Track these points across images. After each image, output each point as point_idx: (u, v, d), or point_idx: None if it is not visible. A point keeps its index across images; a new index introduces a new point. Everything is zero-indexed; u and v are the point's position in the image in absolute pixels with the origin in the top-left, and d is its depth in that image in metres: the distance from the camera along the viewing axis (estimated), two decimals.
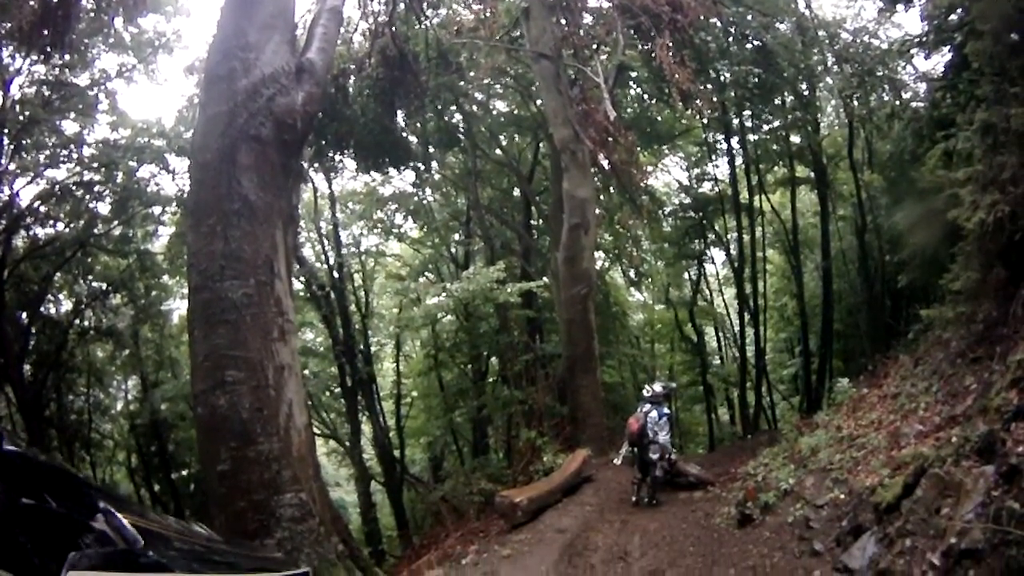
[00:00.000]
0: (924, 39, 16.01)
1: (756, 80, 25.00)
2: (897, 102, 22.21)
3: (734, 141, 31.51)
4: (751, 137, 30.96)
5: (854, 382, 16.42)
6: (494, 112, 31.57)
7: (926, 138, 16.52)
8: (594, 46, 24.52)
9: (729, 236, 33.92)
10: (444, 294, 22.07)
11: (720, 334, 40.77)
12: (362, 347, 31.28)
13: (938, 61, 17.96)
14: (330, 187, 31.13)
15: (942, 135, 13.70)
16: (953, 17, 14.42)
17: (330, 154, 25.79)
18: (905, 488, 8.15)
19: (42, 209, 25.37)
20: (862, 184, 26.80)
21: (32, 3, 16.24)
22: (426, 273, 35.47)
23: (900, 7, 18.15)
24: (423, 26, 23.13)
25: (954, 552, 6.48)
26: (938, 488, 7.46)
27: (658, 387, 15.83)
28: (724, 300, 39.78)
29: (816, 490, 10.96)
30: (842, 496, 10.13)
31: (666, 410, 15.12)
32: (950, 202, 11.05)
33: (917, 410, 11.09)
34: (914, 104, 21.30)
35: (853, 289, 29.36)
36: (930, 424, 10.08)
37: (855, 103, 24.73)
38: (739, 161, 31.79)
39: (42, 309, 26.84)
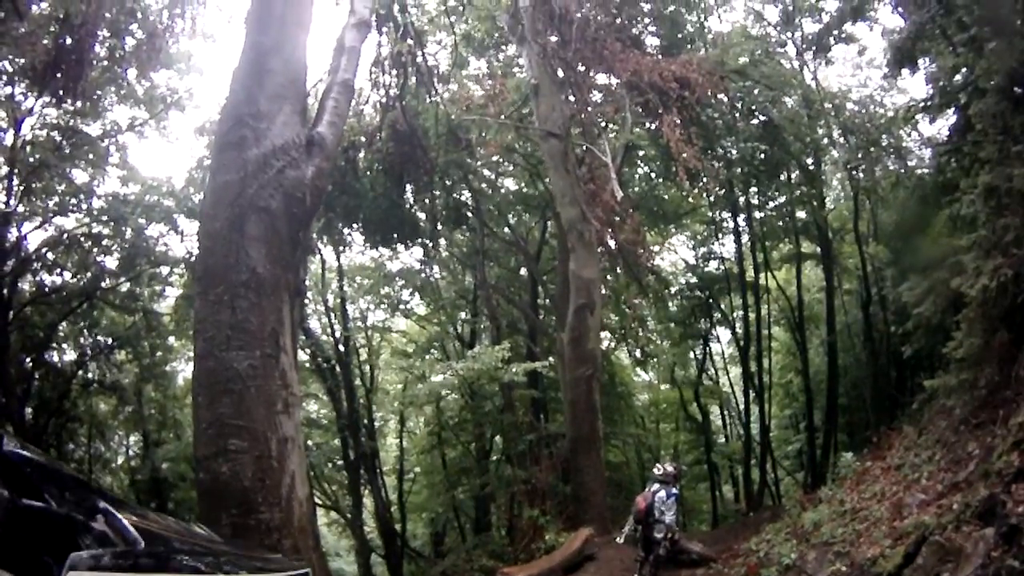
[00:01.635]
0: (929, 103, 16.14)
1: (762, 156, 25.22)
2: (902, 170, 22.37)
3: (740, 219, 31.65)
4: (757, 214, 31.11)
5: (858, 455, 16.42)
6: (502, 190, 31.86)
7: (931, 205, 16.64)
8: (602, 124, 24.79)
9: (735, 314, 33.96)
10: (449, 372, 22.03)
11: (725, 412, 40.56)
12: (366, 421, 31.17)
13: (942, 125, 18.15)
14: (338, 260, 31.29)
15: (947, 200, 13.77)
16: (958, 78, 14.56)
17: (339, 227, 25.93)
18: (906, 557, 8.09)
19: (50, 256, 25.53)
20: (867, 257, 26.80)
21: (46, 42, 16.48)
22: (432, 350, 35.41)
23: (905, 72, 18.32)
24: (433, 101, 23.31)
25: None
26: (938, 555, 7.40)
27: (669, 467, 15.78)
28: (729, 378, 39.56)
29: (818, 564, 10.88)
30: (844, 568, 10.06)
31: (674, 490, 15.01)
32: (954, 270, 11.11)
33: (920, 479, 11.03)
34: (919, 171, 21.46)
35: (858, 362, 29.26)
36: (932, 492, 10.02)
37: (860, 174, 24.91)
38: (745, 239, 31.89)
39: (46, 356, 26.77)
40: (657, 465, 17.03)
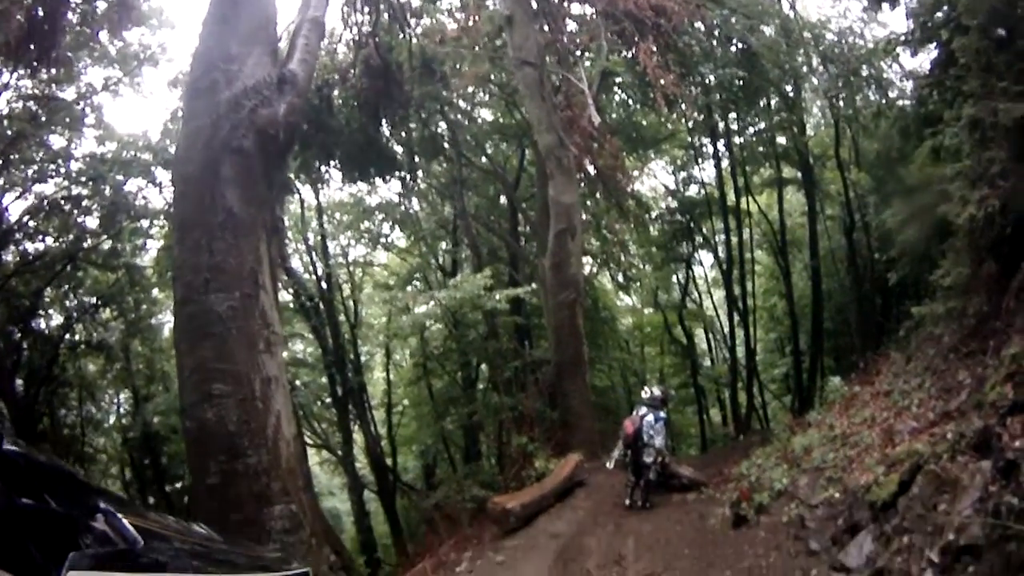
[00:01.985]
0: (910, 37, 16.00)
1: (741, 83, 25.06)
2: (883, 101, 22.28)
3: (720, 144, 31.63)
4: (737, 139, 31.09)
5: (846, 380, 16.43)
6: (479, 120, 31.63)
7: (913, 135, 16.56)
8: (578, 52, 24.57)
9: (717, 238, 34.02)
10: (432, 302, 21.96)
11: (710, 336, 40.86)
12: (352, 357, 31.24)
13: (924, 58, 17.99)
14: (317, 198, 31.15)
15: (929, 132, 13.71)
16: (939, 14, 14.42)
17: (316, 165, 25.71)
18: (901, 485, 8.12)
19: (31, 224, 25.28)
20: (850, 183, 26.87)
21: (19, 18, 16.17)
22: (414, 282, 35.45)
23: (885, 6, 18.10)
24: (406, 36, 23.02)
25: (953, 548, 6.45)
26: (934, 484, 7.42)
27: (656, 391, 15.83)
28: (713, 302, 39.77)
29: (810, 489, 10.93)
30: (837, 495, 10.09)
31: (662, 414, 15.10)
32: (939, 198, 11.07)
33: (910, 407, 11.05)
34: (900, 102, 21.36)
35: (842, 287, 29.47)
36: (924, 420, 10.05)
37: (841, 103, 24.82)
38: (725, 164, 31.91)
39: (33, 324, 26.64)
40: (645, 388, 17.11)
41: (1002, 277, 10.03)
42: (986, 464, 6.74)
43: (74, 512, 2.80)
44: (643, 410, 15.13)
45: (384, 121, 24.82)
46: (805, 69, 25.89)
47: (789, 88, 27.01)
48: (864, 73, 23.26)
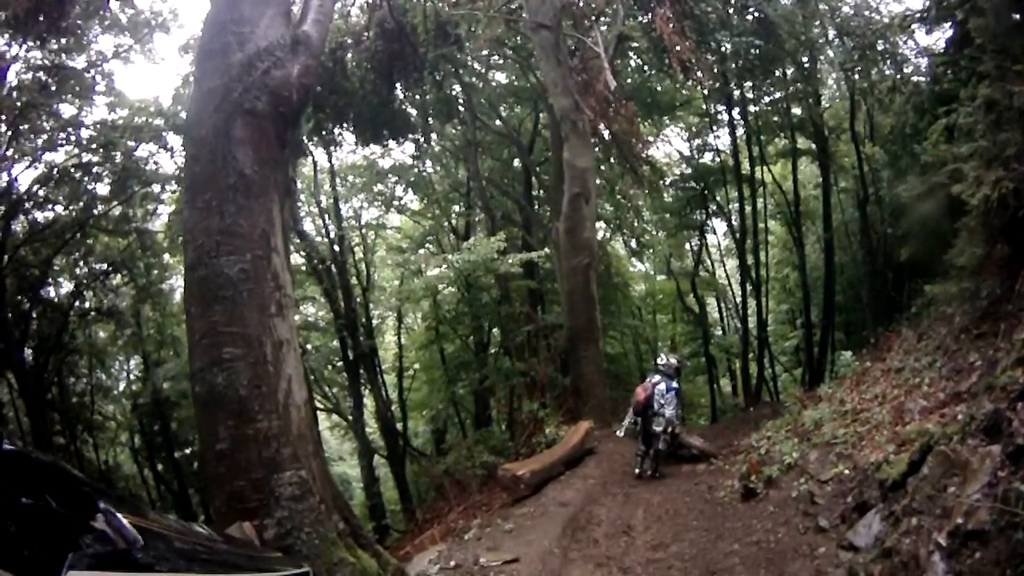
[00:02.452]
0: (925, 14, 15.88)
1: (757, 51, 24.85)
2: (898, 76, 22.11)
3: (735, 112, 31.49)
4: (752, 108, 30.90)
5: (857, 355, 16.39)
6: (493, 83, 31.47)
7: (927, 112, 16.44)
8: (594, 16, 24.38)
9: (731, 207, 33.91)
10: (445, 265, 21.99)
11: (722, 305, 40.82)
12: (363, 320, 31.26)
13: (939, 36, 17.91)
14: (330, 161, 31.03)
15: (943, 110, 13.63)
16: None
17: (329, 127, 25.63)
18: (911, 465, 8.12)
19: (41, 193, 25.36)
20: (864, 156, 26.76)
21: None
22: (427, 245, 35.46)
23: None
24: None
25: (960, 533, 6.45)
26: (944, 466, 7.42)
27: (672, 359, 15.85)
28: (726, 271, 39.78)
29: (820, 465, 10.94)
30: (847, 471, 10.10)
31: (675, 384, 15.12)
32: (953, 176, 11.03)
33: (921, 385, 11.04)
34: (915, 78, 21.19)
35: (855, 261, 29.39)
36: (935, 400, 10.04)
37: (856, 76, 24.69)
38: (740, 132, 31.78)
39: (42, 292, 26.80)
40: (660, 356, 17.13)
41: (1015, 260, 10.00)
42: (996, 449, 6.73)
43: (74, 512, 2.81)
44: (656, 378, 15.19)
45: (398, 83, 24.71)
46: (821, 41, 25.78)
47: (805, 59, 26.84)
48: (880, 47, 23.11)
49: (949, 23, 15.21)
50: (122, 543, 2.88)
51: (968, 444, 7.29)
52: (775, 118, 30.40)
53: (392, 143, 28.17)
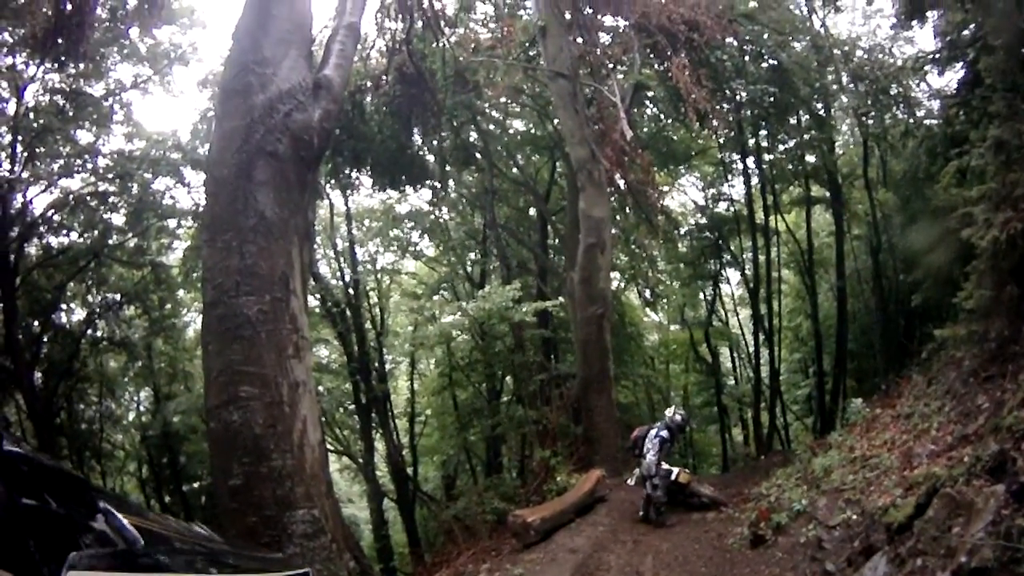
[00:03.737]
0: (937, 56, 16.06)
1: (771, 99, 24.99)
2: (911, 120, 22.27)
3: (750, 161, 31.49)
4: (766, 157, 30.91)
5: (868, 402, 16.43)
6: (511, 131, 31.57)
7: (940, 156, 16.62)
8: (611, 65, 24.57)
9: (744, 256, 33.90)
10: (459, 313, 22.01)
11: (735, 354, 40.71)
12: (377, 365, 31.30)
13: (951, 78, 18.05)
14: (346, 204, 31.17)
15: (956, 152, 13.78)
16: (966, 33, 14.49)
17: (347, 171, 25.89)
18: (917, 508, 8.13)
19: (56, 218, 25.40)
20: (876, 203, 26.78)
21: (46, 10, 16.34)
22: (441, 291, 35.59)
23: (914, 24, 18.15)
24: (440, 44, 23.07)
25: (964, 571, 6.46)
26: (949, 508, 7.43)
27: (677, 415, 15.89)
28: (739, 320, 39.69)
29: (829, 511, 10.95)
30: (854, 516, 10.10)
31: (665, 433, 15.14)
32: (963, 221, 11.08)
33: (930, 430, 11.07)
34: (928, 122, 21.35)
35: (867, 308, 29.30)
36: (942, 444, 10.06)
37: (869, 121, 24.79)
38: (755, 181, 31.81)
39: (54, 318, 26.83)
40: (671, 408, 17.23)
41: (1022, 301, 10.02)
42: (1000, 488, 6.76)
43: (74, 512, 2.82)
44: (657, 425, 15.31)
45: (416, 129, 24.97)
46: (835, 86, 25.92)
47: (819, 105, 26.94)
48: (892, 91, 23.25)
49: (960, 63, 15.39)
50: (122, 543, 2.90)
51: (973, 485, 7.32)
52: (789, 166, 30.42)
53: (409, 188, 28.38)
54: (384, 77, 22.98)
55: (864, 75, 24.01)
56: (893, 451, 11.41)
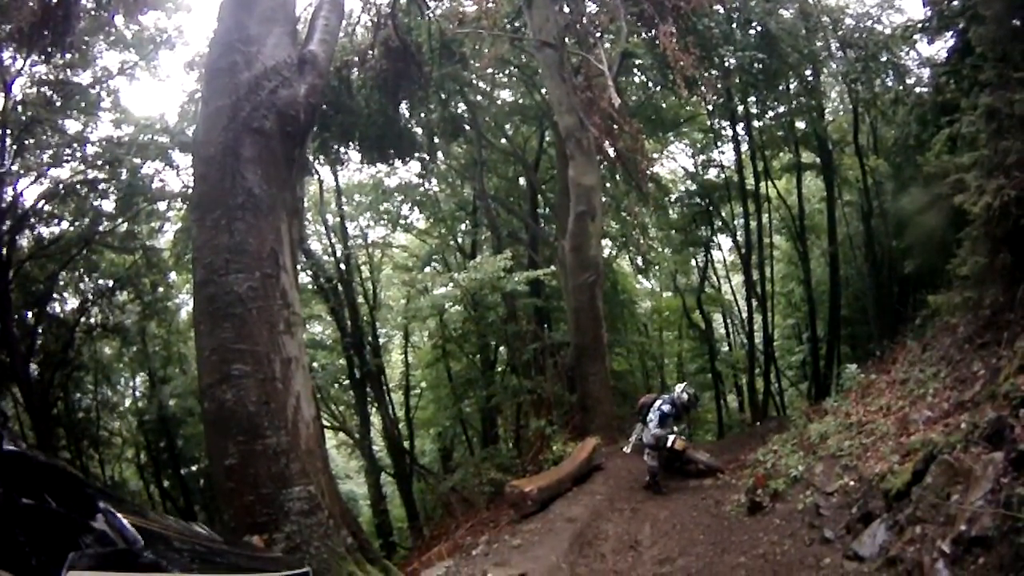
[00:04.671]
0: (927, 24, 15.97)
1: (760, 66, 24.89)
2: (901, 87, 22.20)
3: (739, 128, 31.41)
4: (756, 123, 30.83)
5: (862, 368, 16.44)
6: (498, 102, 31.52)
7: (930, 123, 16.56)
8: (597, 34, 24.45)
9: (736, 223, 34.01)
10: (451, 284, 21.97)
11: (728, 321, 40.83)
12: (370, 339, 31.34)
13: (941, 46, 17.98)
14: (336, 179, 31.13)
15: (946, 120, 13.74)
16: (956, 2, 14.40)
17: (335, 146, 25.74)
18: (915, 475, 8.16)
19: (46, 208, 25.36)
20: (868, 169, 26.79)
21: (32, 4, 16.22)
22: (433, 263, 35.62)
23: None
24: (425, 17, 22.99)
25: (964, 539, 6.49)
26: (947, 475, 7.46)
27: (684, 394, 15.94)
28: (732, 287, 39.77)
29: (826, 477, 10.98)
30: (852, 483, 10.14)
31: (667, 407, 15.20)
32: (956, 187, 11.07)
33: (926, 396, 11.09)
34: (918, 89, 21.24)
35: (860, 274, 29.32)
36: (939, 410, 10.08)
37: (859, 88, 24.72)
38: (745, 147, 31.70)
39: (48, 308, 26.75)
40: (682, 384, 17.38)
41: (1017, 268, 10.02)
42: (998, 455, 6.78)
43: (74, 512, 2.83)
44: (664, 397, 15.43)
45: (403, 102, 24.80)
46: (824, 54, 25.83)
47: (808, 72, 26.87)
48: (882, 59, 23.18)
49: (950, 32, 15.33)
50: (122, 543, 2.90)
51: (971, 452, 7.34)
52: (779, 132, 30.36)
53: (398, 162, 28.23)
54: (370, 52, 22.81)
55: (853, 42, 23.94)
56: (889, 417, 11.43)
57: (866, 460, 10.41)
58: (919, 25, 16.47)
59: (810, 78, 27.21)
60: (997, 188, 9.57)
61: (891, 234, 24.54)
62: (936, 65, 18.39)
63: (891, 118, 22.81)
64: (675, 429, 15.30)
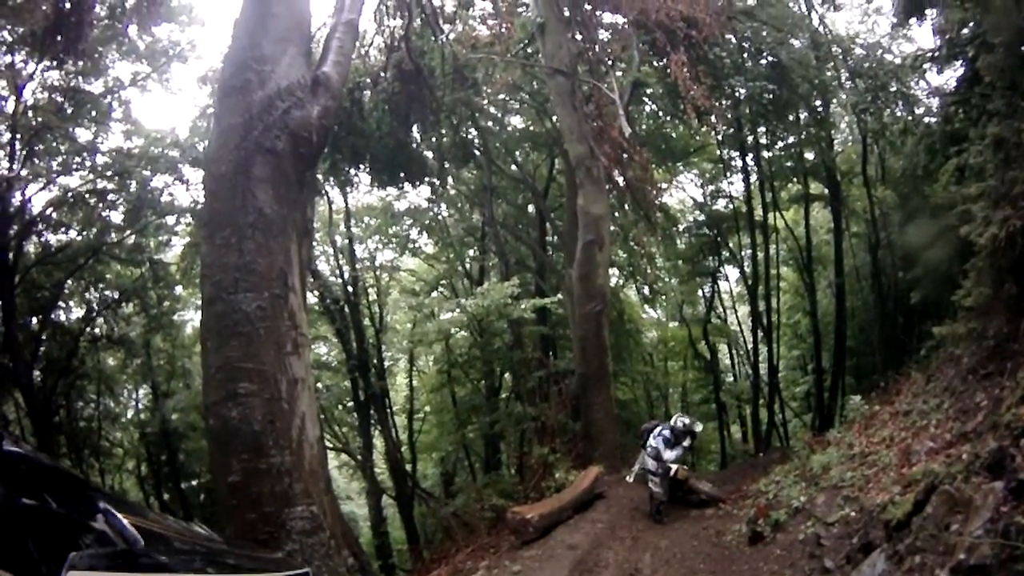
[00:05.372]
0: (937, 53, 16.04)
1: (770, 96, 25.01)
2: (910, 117, 22.24)
3: (749, 158, 31.48)
4: (765, 154, 30.89)
5: (866, 399, 16.41)
6: (509, 128, 31.67)
7: (939, 153, 16.57)
8: (609, 62, 24.57)
9: (743, 253, 33.99)
10: (458, 309, 22.01)
11: (733, 351, 40.80)
12: (375, 361, 31.38)
13: (950, 76, 18.03)
14: (345, 201, 31.27)
15: (954, 150, 13.76)
16: (965, 31, 14.46)
17: (345, 168, 25.81)
18: (915, 505, 8.12)
19: (54, 216, 25.49)
20: (875, 200, 26.78)
21: (45, 8, 16.32)
22: (440, 288, 35.64)
23: (913, 21, 18.17)
24: (439, 41, 23.03)
25: (963, 568, 6.45)
26: (948, 505, 7.43)
27: (686, 421, 15.93)
28: (738, 317, 39.80)
29: (827, 507, 10.93)
30: (853, 513, 10.09)
31: (667, 432, 15.22)
32: (962, 218, 11.08)
33: (928, 427, 11.06)
34: (927, 119, 21.32)
35: (866, 306, 29.32)
36: (941, 441, 10.05)
37: (869, 119, 24.76)
38: (753, 178, 31.80)
39: (53, 316, 26.76)
40: (686, 414, 17.38)
41: (1021, 299, 10.01)
42: (999, 485, 6.75)
43: (74, 512, 2.83)
44: (665, 424, 15.45)
45: (415, 126, 24.87)
46: (834, 83, 25.90)
47: (818, 103, 26.95)
48: (892, 89, 23.23)
49: (960, 61, 15.37)
50: (122, 543, 2.90)
51: (972, 482, 7.31)
52: (788, 163, 30.43)
53: (408, 185, 28.30)
54: (383, 74, 22.89)
55: (863, 72, 23.97)
56: (892, 448, 11.41)
57: (868, 491, 10.37)
58: (929, 54, 16.55)
59: (820, 108, 27.27)
60: (1003, 219, 9.58)
61: (897, 265, 24.50)
62: (945, 94, 18.40)
63: (899, 148, 22.85)
64: (674, 455, 15.26)
